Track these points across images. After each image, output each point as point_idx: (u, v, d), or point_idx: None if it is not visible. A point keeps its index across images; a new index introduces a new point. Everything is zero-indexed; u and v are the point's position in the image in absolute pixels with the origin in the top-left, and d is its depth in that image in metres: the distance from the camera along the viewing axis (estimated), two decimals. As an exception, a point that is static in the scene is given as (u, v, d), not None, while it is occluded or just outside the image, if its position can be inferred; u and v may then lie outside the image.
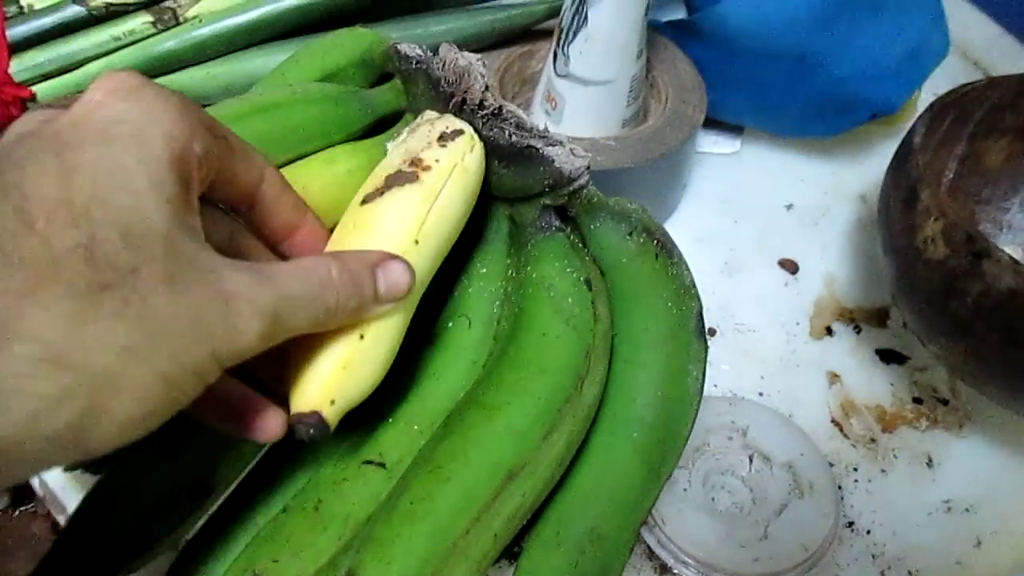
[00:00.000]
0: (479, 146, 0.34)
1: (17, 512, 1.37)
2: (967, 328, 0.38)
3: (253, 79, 0.51)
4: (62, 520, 0.40)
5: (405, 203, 0.31)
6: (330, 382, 0.28)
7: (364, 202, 0.31)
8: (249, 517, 0.34)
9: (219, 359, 0.23)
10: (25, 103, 0.50)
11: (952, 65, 0.67)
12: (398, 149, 0.33)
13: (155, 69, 0.51)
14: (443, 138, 0.33)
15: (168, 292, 0.22)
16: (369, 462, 0.33)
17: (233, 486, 0.34)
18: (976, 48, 0.68)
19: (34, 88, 0.50)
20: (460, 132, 0.33)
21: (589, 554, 0.34)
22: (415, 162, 0.32)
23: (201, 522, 0.34)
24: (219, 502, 0.34)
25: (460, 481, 0.30)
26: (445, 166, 0.32)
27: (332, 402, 0.28)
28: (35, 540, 1.35)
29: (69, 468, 0.38)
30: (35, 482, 0.41)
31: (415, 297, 0.31)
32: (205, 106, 0.51)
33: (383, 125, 0.40)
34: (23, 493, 1.36)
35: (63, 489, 0.40)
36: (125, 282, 0.21)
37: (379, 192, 0.31)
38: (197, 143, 0.24)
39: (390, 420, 0.34)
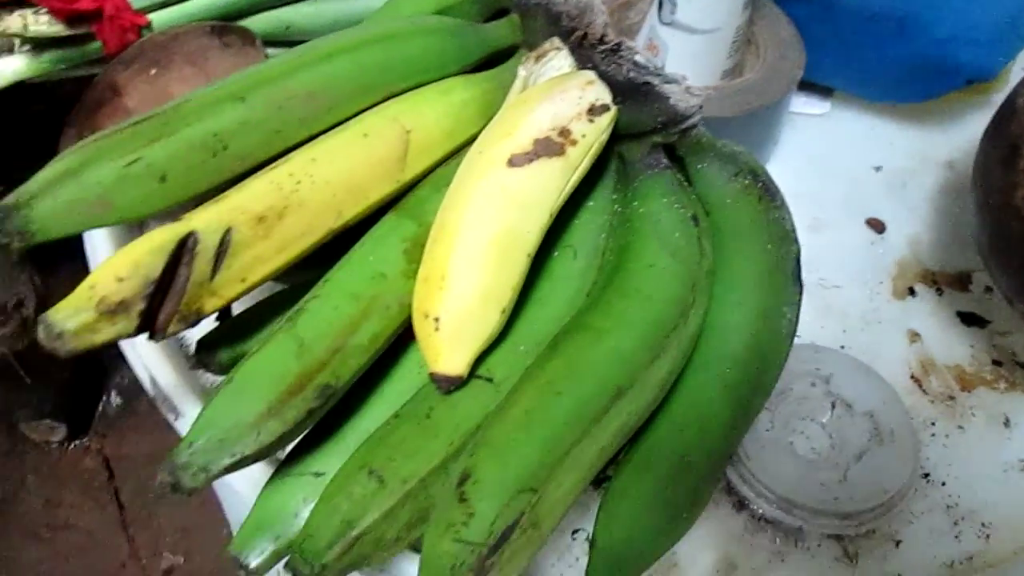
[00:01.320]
0: (615, 115, 0.35)
1: (71, 446, 1.43)
2: (1062, 287, 0.39)
3: (358, 16, 0.52)
4: (172, 419, 0.43)
5: (550, 178, 0.33)
6: (474, 351, 0.33)
7: (511, 164, 0.32)
8: (358, 423, 0.36)
9: None
10: (141, 30, 0.52)
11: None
12: (541, 97, 0.34)
13: (264, 3, 0.52)
14: (592, 111, 0.34)
15: None
16: (478, 377, 0.35)
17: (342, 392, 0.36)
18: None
19: (150, 16, 0.52)
20: (607, 108, 0.35)
21: (678, 480, 0.36)
22: (564, 133, 0.33)
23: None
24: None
25: (572, 396, 0.31)
26: (589, 142, 0.34)
27: (469, 362, 0.33)
28: (87, 474, 1.41)
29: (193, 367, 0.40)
30: (147, 382, 0.43)
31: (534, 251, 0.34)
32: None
33: (496, 59, 0.41)
34: (78, 427, 1.42)
35: (175, 388, 0.42)
36: None
37: (528, 158, 0.32)
38: None
39: (498, 341, 0.36)
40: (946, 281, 0.51)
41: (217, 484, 0.37)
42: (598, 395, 0.31)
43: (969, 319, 0.49)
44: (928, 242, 0.53)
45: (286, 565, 0.31)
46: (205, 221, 0.32)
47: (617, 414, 0.32)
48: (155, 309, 0.32)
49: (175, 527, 1.33)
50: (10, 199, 0.30)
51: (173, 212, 0.33)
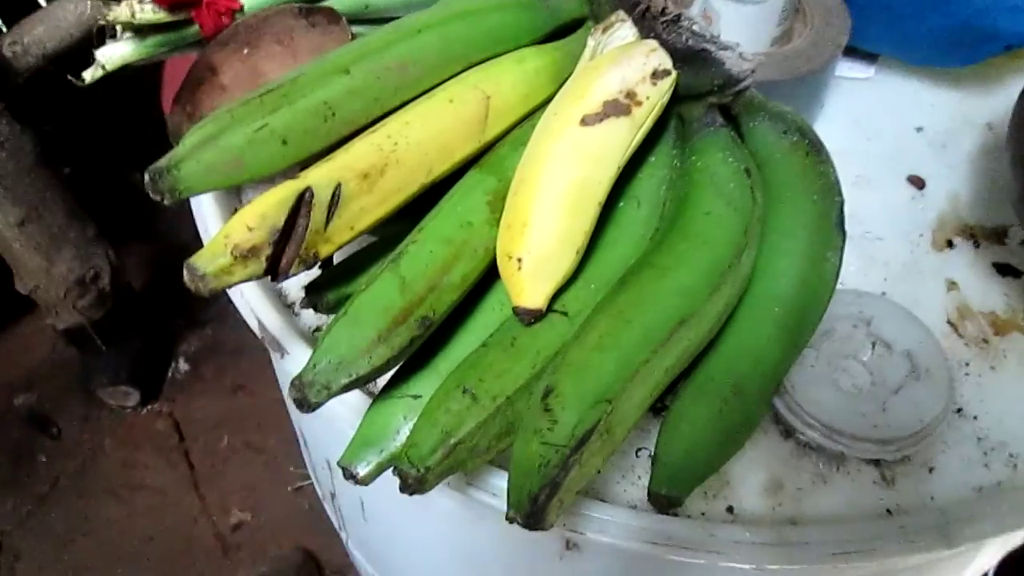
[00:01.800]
0: (675, 79, 0.39)
1: (144, 410, 1.51)
2: (1088, 233, 0.42)
3: (432, -6, 0.57)
4: (278, 358, 0.48)
5: (618, 136, 0.38)
6: (552, 288, 0.38)
7: (584, 123, 0.37)
8: (449, 353, 0.41)
9: None
10: (235, 13, 0.57)
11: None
12: (610, 64, 0.39)
13: (347, -17, 0.57)
14: (655, 75, 0.38)
15: None
16: (555, 311, 0.40)
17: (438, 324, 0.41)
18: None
19: (242, 0, 0.57)
20: (668, 72, 0.39)
21: (731, 405, 0.40)
22: (630, 95, 0.38)
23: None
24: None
25: (641, 323, 0.36)
26: (652, 103, 0.38)
27: (547, 297, 0.38)
28: (159, 436, 1.49)
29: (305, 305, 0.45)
30: (255, 326, 0.49)
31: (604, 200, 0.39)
32: (390, 19, 0.57)
33: (565, 31, 0.46)
34: (150, 392, 1.50)
35: (280, 330, 0.48)
36: None
37: (598, 117, 0.37)
38: None
39: (572, 280, 0.40)
40: (983, 234, 0.54)
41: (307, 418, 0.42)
42: (663, 322, 0.36)
43: (1004, 270, 0.53)
44: (967, 198, 0.56)
45: (394, 471, 0.36)
46: (319, 177, 0.37)
47: (679, 340, 0.36)
48: (279, 254, 0.37)
49: (242, 485, 1.40)
50: (162, 162, 0.35)
51: (291, 170, 0.39)
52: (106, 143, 1.76)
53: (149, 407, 1.52)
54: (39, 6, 1.02)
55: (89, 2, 0.87)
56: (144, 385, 1.50)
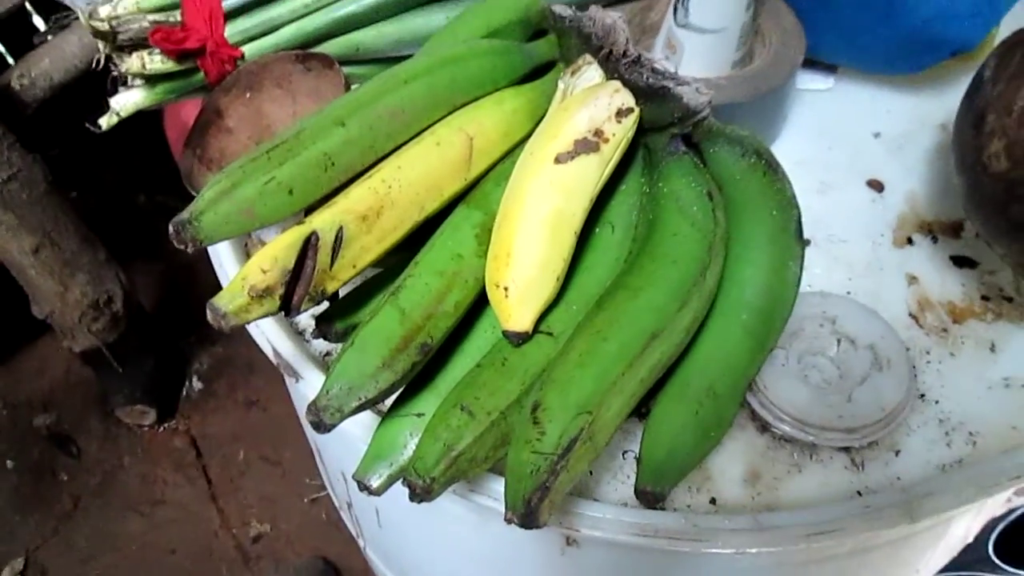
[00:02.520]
0: (638, 115, 0.43)
1: (162, 428, 1.55)
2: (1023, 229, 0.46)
3: (416, 34, 0.61)
4: (293, 382, 0.52)
5: (588, 171, 0.42)
6: (536, 311, 0.42)
7: (557, 161, 0.41)
8: (447, 374, 0.45)
9: None
10: (236, 61, 0.61)
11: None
12: (579, 105, 0.43)
13: (337, 29, 0.61)
14: (620, 114, 0.42)
15: None
16: (541, 332, 0.44)
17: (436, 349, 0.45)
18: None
19: (243, 48, 0.61)
20: (631, 110, 0.43)
21: (706, 406, 0.44)
22: (598, 133, 0.42)
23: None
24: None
25: (616, 340, 0.40)
26: (618, 138, 0.42)
27: (533, 320, 0.42)
28: (176, 452, 1.53)
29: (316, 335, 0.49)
30: (270, 353, 0.53)
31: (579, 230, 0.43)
32: (380, 59, 0.61)
33: (539, 72, 0.50)
34: (166, 410, 1.54)
35: (293, 357, 0.52)
36: None
37: (570, 155, 0.41)
38: None
39: (555, 302, 0.45)
40: (941, 230, 0.58)
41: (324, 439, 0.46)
42: (636, 338, 0.40)
43: (961, 261, 0.57)
44: (924, 197, 0.60)
45: (403, 481, 0.40)
46: (323, 222, 0.42)
47: (652, 352, 0.40)
48: (290, 292, 0.41)
49: (260, 498, 1.44)
50: (184, 215, 0.39)
51: (298, 216, 0.43)
52: (111, 166, 1.81)
53: (166, 425, 1.56)
54: (39, 34, 1.06)
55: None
56: (160, 403, 1.53)
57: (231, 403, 1.59)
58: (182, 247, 0.40)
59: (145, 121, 0.64)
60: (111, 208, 1.76)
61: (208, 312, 0.40)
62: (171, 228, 0.40)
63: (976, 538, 1.05)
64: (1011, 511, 1.05)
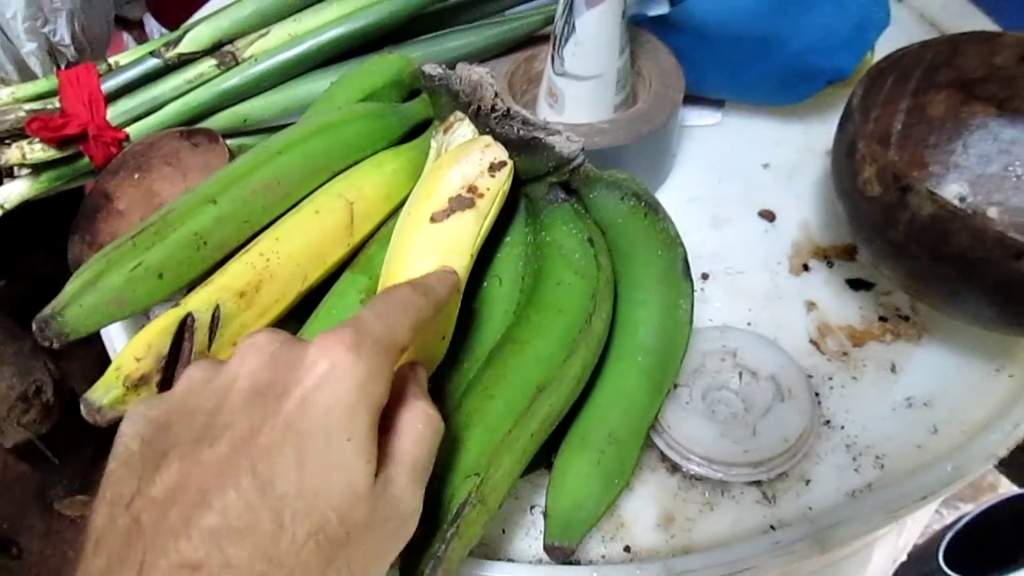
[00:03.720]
0: (512, 168, 0.43)
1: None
2: (903, 250, 0.47)
3: (302, 101, 0.61)
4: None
5: (465, 226, 0.41)
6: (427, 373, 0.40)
7: (433, 220, 0.41)
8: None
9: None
10: (121, 143, 0.60)
11: (910, 27, 0.75)
12: (451, 163, 0.43)
13: (222, 103, 0.61)
14: (493, 168, 0.42)
15: (367, 550, 0.27)
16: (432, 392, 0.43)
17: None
18: (931, 9, 0.76)
19: (127, 129, 0.60)
20: (504, 163, 0.43)
21: (608, 453, 0.44)
22: (472, 189, 0.41)
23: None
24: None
25: (503, 396, 0.39)
26: (493, 192, 0.42)
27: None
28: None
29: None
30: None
31: (463, 286, 0.42)
32: (268, 129, 0.61)
33: (417, 131, 0.50)
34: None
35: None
36: (339, 555, 0.26)
37: (445, 213, 0.41)
38: (385, 399, 0.29)
39: (446, 361, 0.44)
40: (835, 254, 0.59)
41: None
42: (523, 392, 0.40)
43: (857, 284, 0.58)
44: (816, 223, 0.61)
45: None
46: (198, 302, 0.41)
47: (540, 406, 0.40)
48: (169, 378, 0.40)
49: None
50: (46, 311, 0.38)
51: (173, 298, 0.42)
52: (38, 250, 1.77)
53: (91, 500, 1.51)
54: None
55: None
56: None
57: (176, 483, 1.54)
58: (47, 344, 0.39)
59: (71, 202, 0.63)
60: (41, 293, 1.72)
61: (82, 407, 0.39)
62: (34, 325, 0.38)
63: (926, 548, 1.06)
64: (959, 519, 1.06)
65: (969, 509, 1.07)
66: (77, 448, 1.42)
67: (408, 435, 0.30)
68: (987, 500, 1.05)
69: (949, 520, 1.08)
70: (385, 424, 0.30)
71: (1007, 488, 1.16)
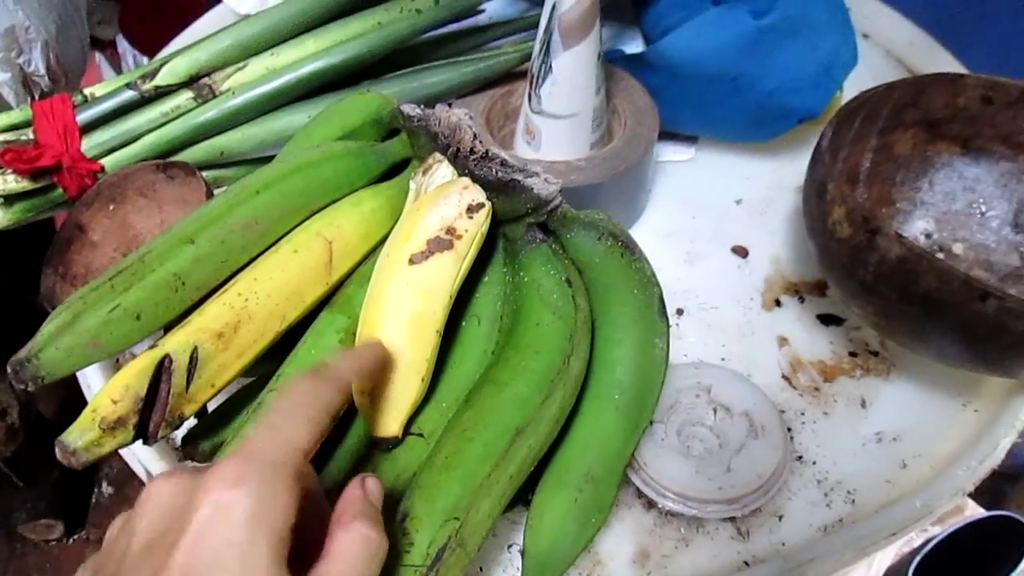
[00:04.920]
0: (490, 209, 0.44)
1: (71, 540, 1.47)
2: (872, 290, 0.48)
3: (280, 135, 0.61)
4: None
5: (444, 269, 0.42)
6: (404, 415, 0.42)
7: (412, 262, 0.41)
8: (322, 479, 0.44)
9: None
10: (96, 175, 0.60)
11: (877, 65, 0.77)
12: (429, 205, 0.43)
13: (199, 135, 0.61)
14: (471, 210, 0.43)
15: None
16: (411, 433, 0.43)
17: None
18: (898, 47, 0.78)
19: (102, 161, 0.60)
20: (482, 205, 0.43)
21: (586, 492, 0.44)
22: (450, 231, 0.42)
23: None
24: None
25: (481, 439, 0.40)
26: (472, 234, 0.43)
27: (401, 424, 0.42)
28: (89, 565, 1.45)
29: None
30: (143, 475, 0.51)
31: (442, 327, 0.42)
32: (245, 162, 0.61)
33: (395, 169, 0.50)
34: (75, 521, 1.47)
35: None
36: None
37: (424, 255, 0.41)
38: (292, 518, 0.28)
39: (425, 402, 0.44)
40: (806, 289, 0.60)
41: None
42: (501, 435, 0.40)
43: (827, 320, 0.59)
44: (787, 258, 0.62)
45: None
46: (176, 344, 0.41)
47: (519, 448, 0.40)
48: (146, 420, 0.40)
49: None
50: (22, 353, 0.38)
51: (154, 337, 0.42)
52: (4, 270, 1.74)
53: (76, 536, 1.49)
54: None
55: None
56: (67, 515, 1.46)
57: (143, 507, 1.52)
58: (22, 386, 0.38)
59: (40, 222, 0.62)
60: (7, 314, 1.69)
61: (57, 450, 0.39)
62: (8, 368, 0.38)
63: (895, 570, 1.07)
64: (928, 541, 1.07)
65: (937, 532, 1.08)
66: (42, 471, 1.39)
67: (340, 559, 0.30)
68: (954, 523, 1.06)
69: (918, 543, 1.10)
70: (322, 546, 0.30)
71: (973, 510, 1.18)
